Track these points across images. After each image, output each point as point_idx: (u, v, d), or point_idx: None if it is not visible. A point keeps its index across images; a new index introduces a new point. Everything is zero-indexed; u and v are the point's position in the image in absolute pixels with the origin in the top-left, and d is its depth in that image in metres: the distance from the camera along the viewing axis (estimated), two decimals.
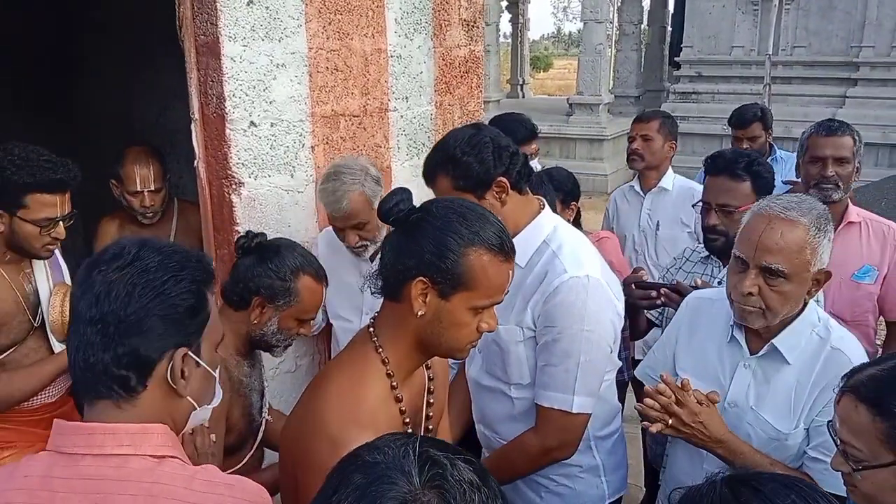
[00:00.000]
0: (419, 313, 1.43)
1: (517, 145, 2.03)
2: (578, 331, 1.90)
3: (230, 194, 2.53)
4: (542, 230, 2.00)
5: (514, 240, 1.94)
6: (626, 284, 2.44)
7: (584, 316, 1.90)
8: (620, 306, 2.03)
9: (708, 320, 1.99)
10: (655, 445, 2.69)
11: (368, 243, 2.54)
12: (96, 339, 1.15)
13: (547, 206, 2.06)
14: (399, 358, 1.50)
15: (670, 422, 1.81)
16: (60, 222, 2.29)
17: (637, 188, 3.83)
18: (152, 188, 3.08)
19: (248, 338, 2.13)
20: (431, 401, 1.64)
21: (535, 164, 3.60)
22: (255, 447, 2.24)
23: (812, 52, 11.66)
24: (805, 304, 1.85)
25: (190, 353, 1.21)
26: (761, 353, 1.86)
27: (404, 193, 1.48)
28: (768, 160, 3.90)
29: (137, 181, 3.05)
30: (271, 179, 2.61)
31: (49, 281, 2.44)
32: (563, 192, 3.14)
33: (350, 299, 2.67)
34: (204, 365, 1.25)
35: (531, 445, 2.01)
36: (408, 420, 1.52)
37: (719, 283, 2.55)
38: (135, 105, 4.61)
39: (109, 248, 1.22)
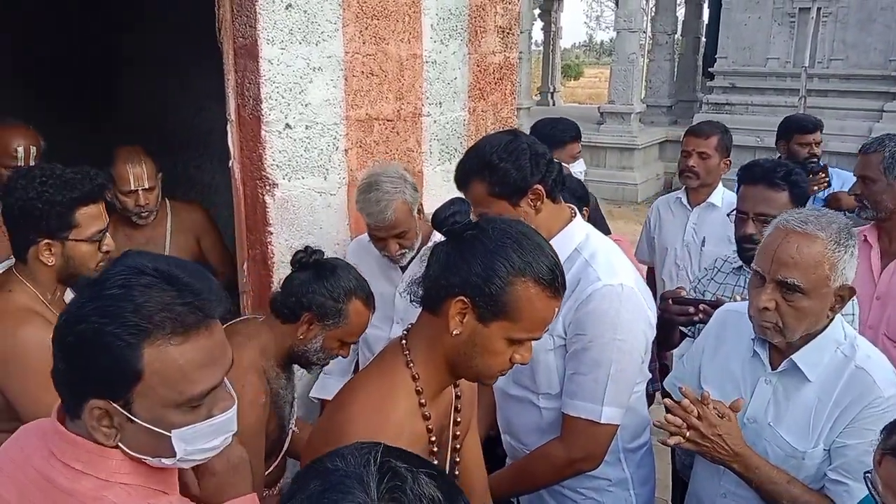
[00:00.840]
0: (454, 332, 1.39)
1: (566, 144, 2.02)
2: (610, 340, 1.88)
3: (264, 195, 2.55)
4: (574, 238, 1.98)
5: None
6: (663, 299, 2.42)
7: (616, 325, 1.88)
8: (653, 316, 2.00)
9: (734, 334, 1.96)
10: (685, 457, 2.66)
11: (407, 250, 2.55)
12: (56, 351, 1.13)
13: (578, 214, 2.05)
14: (430, 374, 1.45)
15: (688, 434, 1.78)
16: (106, 234, 2.11)
17: (684, 201, 3.67)
18: (146, 186, 3.00)
19: (290, 351, 2.12)
20: (458, 419, 1.59)
21: (581, 165, 3.61)
22: (279, 457, 2.24)
23: (849, 65, 11.49)
24: (830, 321, 1.80)
25: (116, 406, 1.10)
26: (780, 368, 1.83)
27: (462, 205, 1.45)
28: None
29: (131, 180, 2.97)
30: (305, 181, 2.63)
31: None
32: (575, 197, 3.12)
33: (381, 308, 2.65)
34: (139, 421, 1.11)
35: (556, 456, 1.97)
36: (433, 439, 1.48)
37: None
38: (169, 106, 4.66)
39: (106, 271, 1.15)
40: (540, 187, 1.91)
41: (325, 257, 2.15)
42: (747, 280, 2.54)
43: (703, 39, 14.82)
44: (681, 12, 15.79)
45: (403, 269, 2.61)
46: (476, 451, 1.78)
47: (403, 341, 1.48)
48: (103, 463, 1.14)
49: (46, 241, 1.99)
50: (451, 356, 1.43)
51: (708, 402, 1.79)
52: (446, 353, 1.43)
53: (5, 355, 1.90)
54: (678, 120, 13.89)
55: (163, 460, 1.16)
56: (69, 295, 2.19)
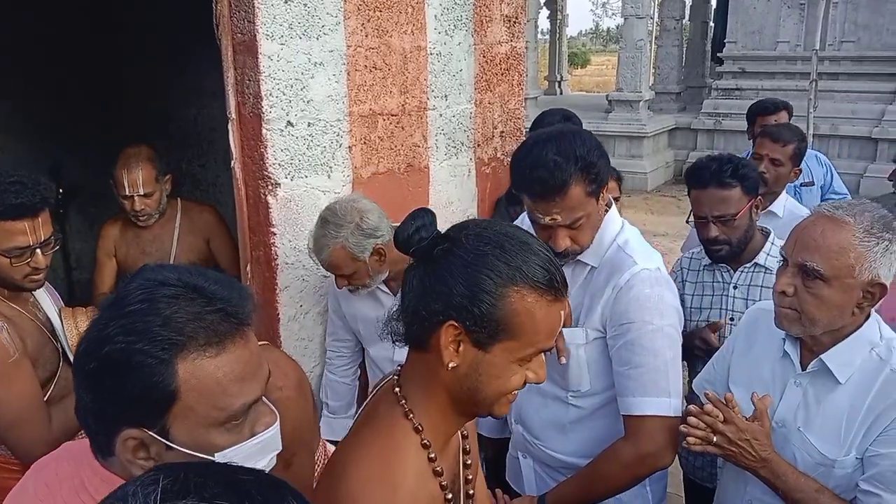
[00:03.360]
0: (451, 365, 1.18)
1: None
2: (659, 325, 1.83)
3: (266, 195, 2.49)
4: (614, 227, 1.96)
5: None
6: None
7: (661, 310, 1.84)
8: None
9: (765, 333, 1.88)
10: (691, 457, 2.62)
11: (359, 287, 2.41)
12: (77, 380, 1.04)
13: (613, 203, 2.02)
14: (434, 422, 1.25)
15: (715, 440, 1.71)
16: (38, 250, 2.07)
17: None
18: (141, 192, 2.98)
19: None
20: (469, 462, 1.40)
21: None
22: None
23: (861, 47, 11.31)
24: (865, 319, 1.71)
25: (151, 433, 1.01)
26: (810, 369, 1.74)
27: (426, 217, 1.23)
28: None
29: (126, 185, 2.97)
30: (308, 180, 2.56)
31: (54, 307, 2.28)
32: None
33: (377, 331, 2.58)
34: (179, 448, 1.02)
35: (626, 455, 1.88)
36: (449, 496, 1.29)
37: (734, 286, 2.54)
38: (173, 104, 4.61)
39: (123, 287, 1.06)
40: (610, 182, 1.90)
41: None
42: (724, 273, 2.58)
43: (712, 24, 14.65)
44: None
45: (396, 292, 2.50)
46: (483, 486, 1.63)
47: (397, 389, 1.27)
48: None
49: None
50: (454, 394, 1.23)
51: (734, 404, 1.72)
52: (449, 392, 1.23)
53: None
54: (687, 106, 13.75)
55: None
56: (42, 297, 2.24)
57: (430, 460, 1.24)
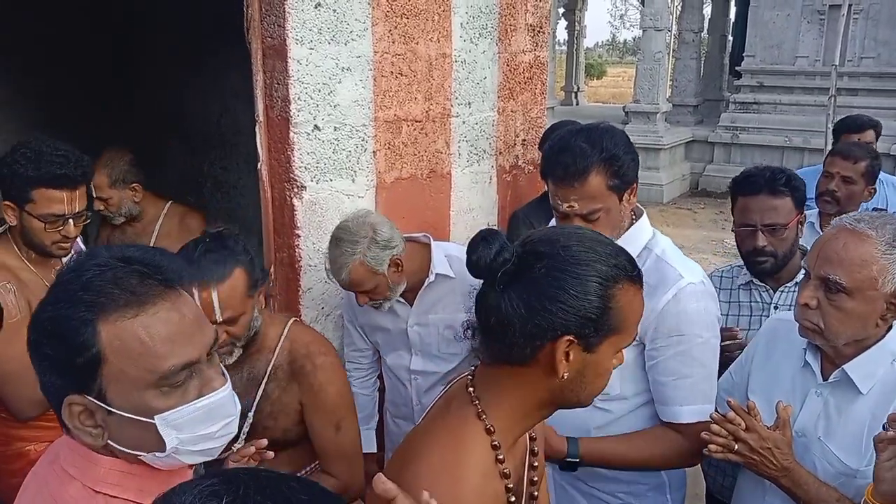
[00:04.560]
0: (564, 375, 1.19)
1: None
2: (707, 338, 1.89)
3: (292, 198, 2.51)
4: (644, 234, 1.97)
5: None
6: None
7: (708, 323, 1.89)
8: None
9: (785, 343, 1.89)
10: (720, 476, 2.55)
11: (381, 301, 2.40)
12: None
13: (644, 211, 2.03)
14: (508, 424, 1.25)
15: (737, 447, 1.71)
16: (70, 220, 2.23)
17: (817, 226, 3.27)
18: (94, 195, 3.04)
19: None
20: (535, 464, 1.40)
21: None
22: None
23: (881, 63, 11.28)
24: (888, 331, 1.71)
25: (91, 399, 1.03)
26: (832, 379, 1.75)
27: (500, 239, 1.22)
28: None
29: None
30: (333, 184, 2.58)
31: None
32: None
33: (396, 342, 2.61)
34: (119, 412, 1.03)
35: (682, 445, 1.91)
36: (513, 499, 1.29)
37: (774, 307, 2.45)
38: (193, 105, 4.65)
39: (89, 253, 1.10)
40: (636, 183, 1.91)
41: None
42: (762, 293, 2.48)
43: (730, 38, 14.64)
44: (707, 10, 15.61)
45: (410, 301, 2.52)
46: (545, 489, 1.60)
47: (470, 389, 1.28)
48: (92, 470, 1.07)
49: (6, 201, 2.21)
50: (553, 397, 1.24)
51: (755, 412, 1.73)
52: (544, 396, 1.24)
53: None
54: (704, 119, 13.73)
55: (157, 455, 1.07)
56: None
57: (499, 461, 1.24)
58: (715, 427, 1.74)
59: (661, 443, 1.94)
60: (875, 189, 3.32)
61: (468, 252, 1.23)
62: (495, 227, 3.27)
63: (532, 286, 1.18)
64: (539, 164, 2.07)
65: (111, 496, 1.07)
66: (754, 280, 2.49)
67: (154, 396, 1.05)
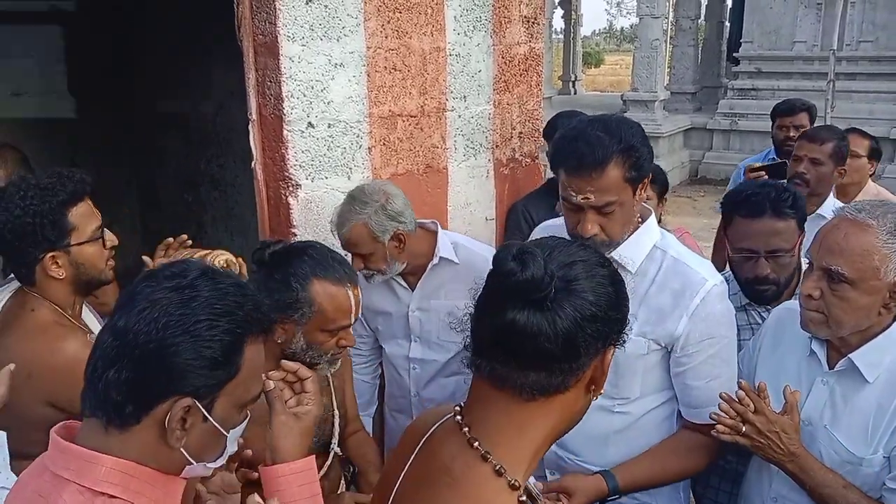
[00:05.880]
0: (598, 395, 1.14)
1: None
2: (731, 337, 1.91)
3: (287, 196, 2.50)
4: (653, 233, 1.92)
5: (625, 243, 1.84)
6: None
7: (731, 322, 1.90)
8: None
9: (791, 333, 1.88)
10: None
11: (374, 273, 2.38)
12: (111, 352, 1.07)
13: (652, 212, 2.00)
14: (521, 459, 1.11)
15: (744, 429, 1.71)
16: (104, 228, 2.02)
17: None
18: None
19: (285, 356, 1.86)
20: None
21: None
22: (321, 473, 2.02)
23: (879, 47, 11.22)
24: (894, 320, 1.71)
25: (198, 404, 1.09)
26: (838, 368, 1.75)
27: (537, 251, 1.08)
28: None
29: None
30: (328, 181, 2.57)
31: (98, 323, 2.16)
32: (658, 184, 3.04)
33: (396, 328, 2.59)
34: (212, 421, 1.11)
35: (708, 443, 1.89)
36: None
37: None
38: (192, 103, 4.64)
39: (176, 263, 1.16)
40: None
41: (285, 245, 1.94)
42: (761, 315, 2.29)
43: (728, 24, 14.59)
44: None
45: (413, 286, 2.51)
46: None
47: (465, 430, 1.12)
48: (92, 470, 1.07)
49: (50, 254, 1.89)
50: (571, 422, 1.15)
51: (765, 395, 1.74)
52: (560, 428, 1.14)
53: (54, 370, 1.83)
54: (703, 107, 13.69)
55: (207, 465, 1.17)
56: (87, 314, 2.13)
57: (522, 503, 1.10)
58: (724, 406, 1.74)
59: (692, 454, 1.93)
60: (846, 170, 3.34)
61: (508, 271, 1.06)
62: (493, 220, 3.25)
63: (581, 295, 1.07)
64: (548, 155, 1.94)
65: (111, 496, 1.07)
66: (751, 303, 2.31)
67: (238, 415, 1.17)
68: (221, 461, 1.20)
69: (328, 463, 2.06)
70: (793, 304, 1.90)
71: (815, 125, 3.92)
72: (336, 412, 2.11)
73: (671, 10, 13.83)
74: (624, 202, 1.78)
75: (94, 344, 1.12)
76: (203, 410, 1.10)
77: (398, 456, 1.26)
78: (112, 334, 1.08)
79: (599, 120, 1.82)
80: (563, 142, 1.81)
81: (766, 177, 3.31)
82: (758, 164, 3.61)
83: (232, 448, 1.21)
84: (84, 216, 1.94)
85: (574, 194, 1.78)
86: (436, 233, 2.51)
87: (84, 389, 1.11)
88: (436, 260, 2.45)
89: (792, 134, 3.97)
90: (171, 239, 2.34)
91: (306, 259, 1.85)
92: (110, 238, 2.03)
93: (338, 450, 2.09)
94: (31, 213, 1.86)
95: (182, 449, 1.11)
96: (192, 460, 1.13)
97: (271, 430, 1.48)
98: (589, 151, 1.73)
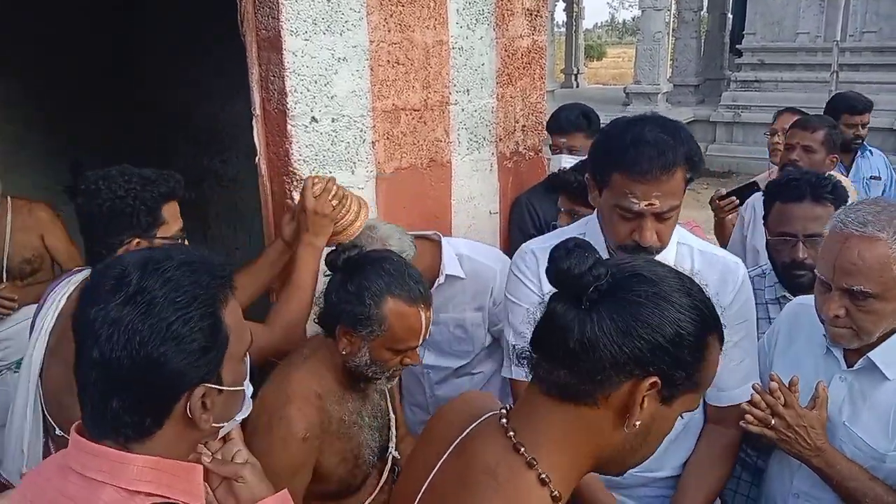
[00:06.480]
0: (635, 425, 1.03)
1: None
2: (754, 316, 1.93)
3: (291, 191, 2.50)
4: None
5: None
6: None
7: (754, 303, 1.93)
8: None
9: (807, 329, 1.88)
10: None
11: None
12: (103, 385, 1.06)
13: None
14: (565, 470, 1.07)
15: (773, 422, 1.71)
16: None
17: None
18: None
19: (345, 369, 1.85)
20: None
21: (567, 158, 3.22)
22: (377, 489, 2.01)
23: (882, 38, 11.17)
24: None
25: (210, 385, 1.11)
26: (857, 366, 1.75)
27: (593, 250, 1.05)
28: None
29: None
30: (332, 176, 2.56)
31: None
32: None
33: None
34: (227, 389, 1.15)
35: (730, 440, 1.90)
36: None
37: None
38: (195, 101, 4.63)
39: (108, 272, 1.09)
40: None
41: (361, 252, 1.89)
42: None
43: (730, 15, 14.54)
44: None
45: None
46: None
47: (511, 434, 1.09)
48: (124, 471, 1.08)
49: (137, 239, 1.93)
50: (600, 453, 1.08)
51: (796, 389, 1.73)
52: (595, 452, 1.07)
53: None
54: (706, 99, 13.65)
55: (236, 419, 1.23)
56: None
57: None
58: (756, 397, 1.74)
59: (727, 460, 1.92)
60: (837, 157, 3.36)
61: (555, 258, 1.06)
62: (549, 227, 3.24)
63: (629, 309, 1.02)
64: (597, 158, 1.80)
65: (147, 493, 1.08)
66: (787, 295, 2.29)
67: (242, 365, 1.19)
68: (247, 409, 1.25)
69: (388, 467, 2.02)
70: (806, 299, 1.90)
71: (809, 115, 3.97)
72: (392, 417, 2.10)
73: (673, 1, 13.80)
74: (679, 207, 1.72)
75: (76, 382, 1.11)
76: (216, 387, 1.13)
77: (429, 443, 1.25)
78: (92, 368, 1.06)
79: (650, 120, 1.71)
80: (623, 146, 1.67)
81: (738, 202, 3.32)
82: (725, 191, 3.50)
83: (249, 390, 1.25)
84: (173, 215, 2.02)
85: (637, 201, 1.66)
86: (439, 243, 2.49)
87: (85, 422, 1.11)
88: (442, 279, 2.44)
89: (862, 132, 4.08)
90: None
91: (383, 274, 1.79)
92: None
93: (396, 453, 2.06)
94: (133, 196, 1.92)
95: (213, 423, 1.15)
96: (220, 427, 1.19)
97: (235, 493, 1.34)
98: (657, 155, 1.62)
